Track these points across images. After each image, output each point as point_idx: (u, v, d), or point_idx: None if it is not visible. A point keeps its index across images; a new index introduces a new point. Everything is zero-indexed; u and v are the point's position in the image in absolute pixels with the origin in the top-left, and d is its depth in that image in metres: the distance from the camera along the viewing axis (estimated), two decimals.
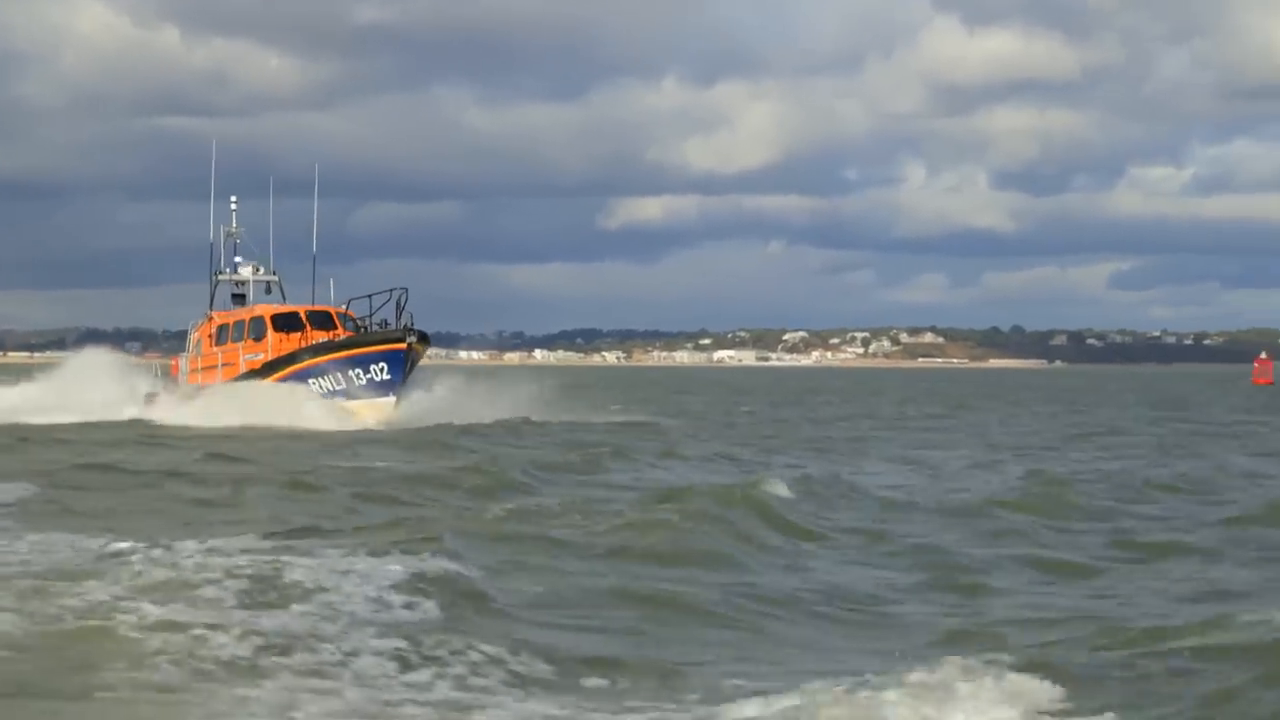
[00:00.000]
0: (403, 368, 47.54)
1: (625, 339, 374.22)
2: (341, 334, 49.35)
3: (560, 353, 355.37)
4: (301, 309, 50.68)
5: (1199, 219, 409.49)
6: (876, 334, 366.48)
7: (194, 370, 52.56)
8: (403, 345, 47.31)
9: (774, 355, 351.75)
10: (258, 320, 50.76)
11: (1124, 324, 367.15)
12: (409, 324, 47.66)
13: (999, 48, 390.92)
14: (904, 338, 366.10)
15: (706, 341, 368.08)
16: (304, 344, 49.25)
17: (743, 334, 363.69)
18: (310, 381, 48.44)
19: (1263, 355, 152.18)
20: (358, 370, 47.80)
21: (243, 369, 50.14)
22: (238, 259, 53.41)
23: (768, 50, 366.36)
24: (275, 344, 49.61)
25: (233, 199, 53.70)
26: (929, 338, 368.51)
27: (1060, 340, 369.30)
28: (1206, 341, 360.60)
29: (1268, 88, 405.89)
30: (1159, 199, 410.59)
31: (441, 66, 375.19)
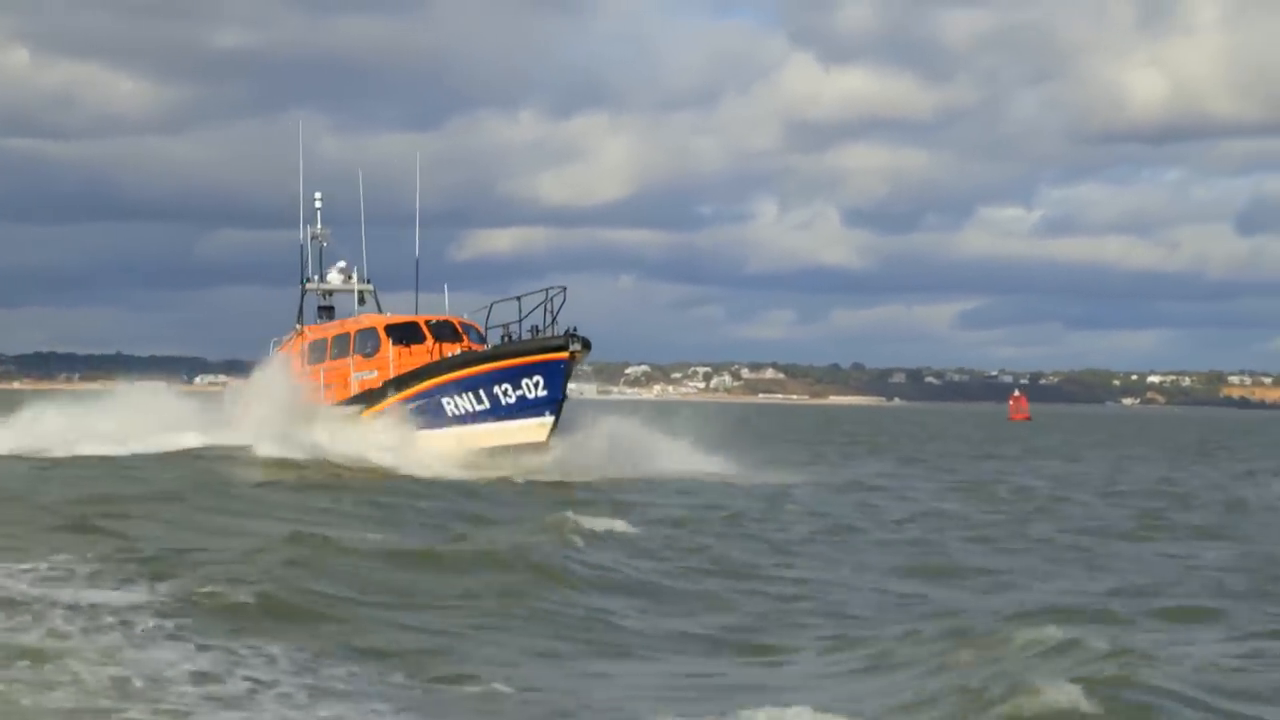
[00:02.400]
0: (562, 381, 40.92)
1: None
2: (467, 346, 42.60)
3: None
4: (421, 319, 43.77)
5: (1045, 260, 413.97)
6: (719, 369, 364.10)
7: None
8: (564, 354, 40.63)
9: (615, 389, 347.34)
10: (369, 332, 43.72)
11: (965, 363, 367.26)
12: (571, 329, 40.99)
13: (854, 86, 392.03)
14: (745, 373, 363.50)
15: None
16: (433, 358, 42.43)
17: (585, 367, 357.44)
18: (445, 401, 41.61)
19: (1017, 393, 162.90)
20: (506, 386, 41.03)
21: (355, 389, 43.10)
22: (341, 263, 46.28)
23: (626, 85, 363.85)
24: (396, 359, 42.65)
25: (317, 195, 46.61)
26: (770, 373, 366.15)
27: (899, 378, 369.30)
28: (1042, 381, 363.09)
29: (1115, 133, 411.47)
30: (1008, 240, 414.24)
31: (298, 93, 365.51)
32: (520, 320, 41.44)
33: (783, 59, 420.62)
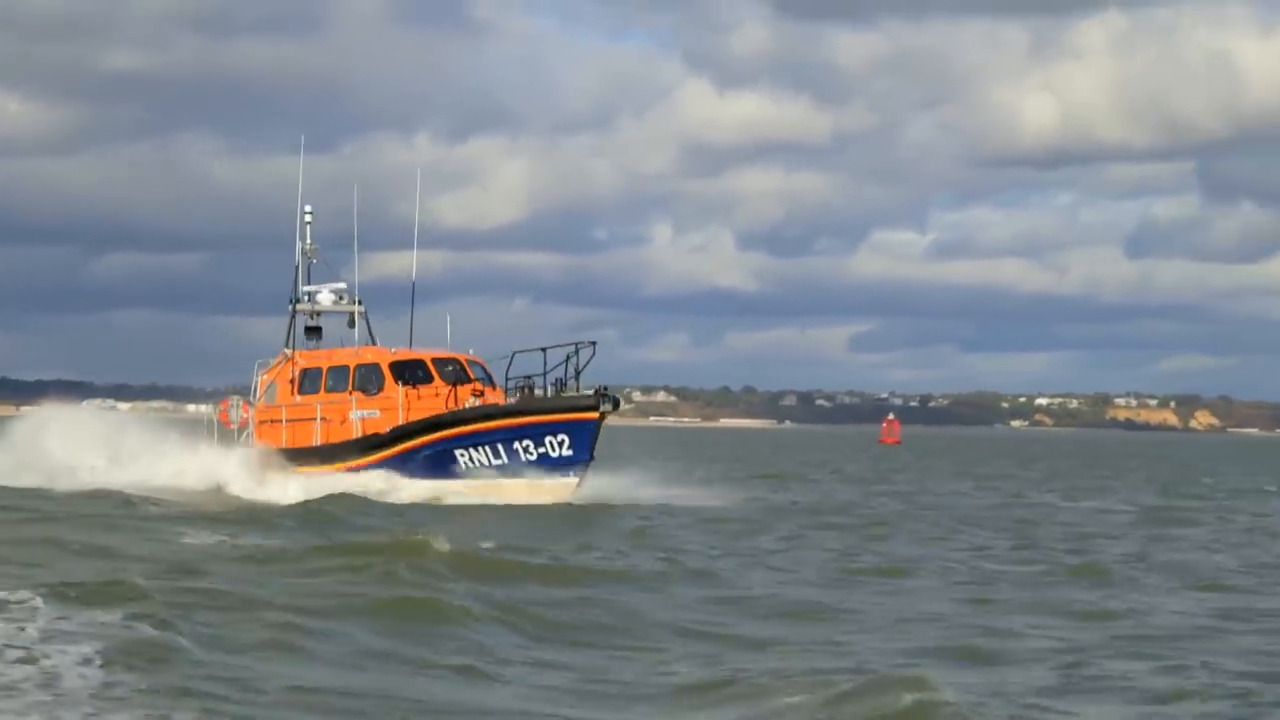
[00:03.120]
0: (589, 443, 37.07)
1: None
2: (477, 388, 38.62)
3: None
4: (426, 355, 39.64)
5: (938, 283, 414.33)
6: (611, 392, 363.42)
7: (264, 422, 40.85)
8: (593, 415, 36.86)
9: None
10: (370, 369, 39.57)
11: (857, 385, 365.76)
12: (602, 389, 37.13)
13: (749, 110, 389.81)
14: (637, 396, 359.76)
15: None
16: (441, 400, 38.37)
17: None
18: (459, 453, 37.63)
19: (891, 417, 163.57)
20: (527, 443, 37.12)
21: (357, 430, 38.85)
22: (339, 284, 41.89)
23: (522, 108, 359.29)
24: (404, 401, 38.44)
25: (307, 208, 42.22)
26: (662, 396, 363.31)
27: (791, 400, 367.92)
28: (932, 404, 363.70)
29: (1007, 157, 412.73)
30: (901, 263, 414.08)
31: (191, 115, 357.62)
32: (546, 373, 37.68)
33: (678, 82, 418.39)
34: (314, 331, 41.67)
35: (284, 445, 39.79)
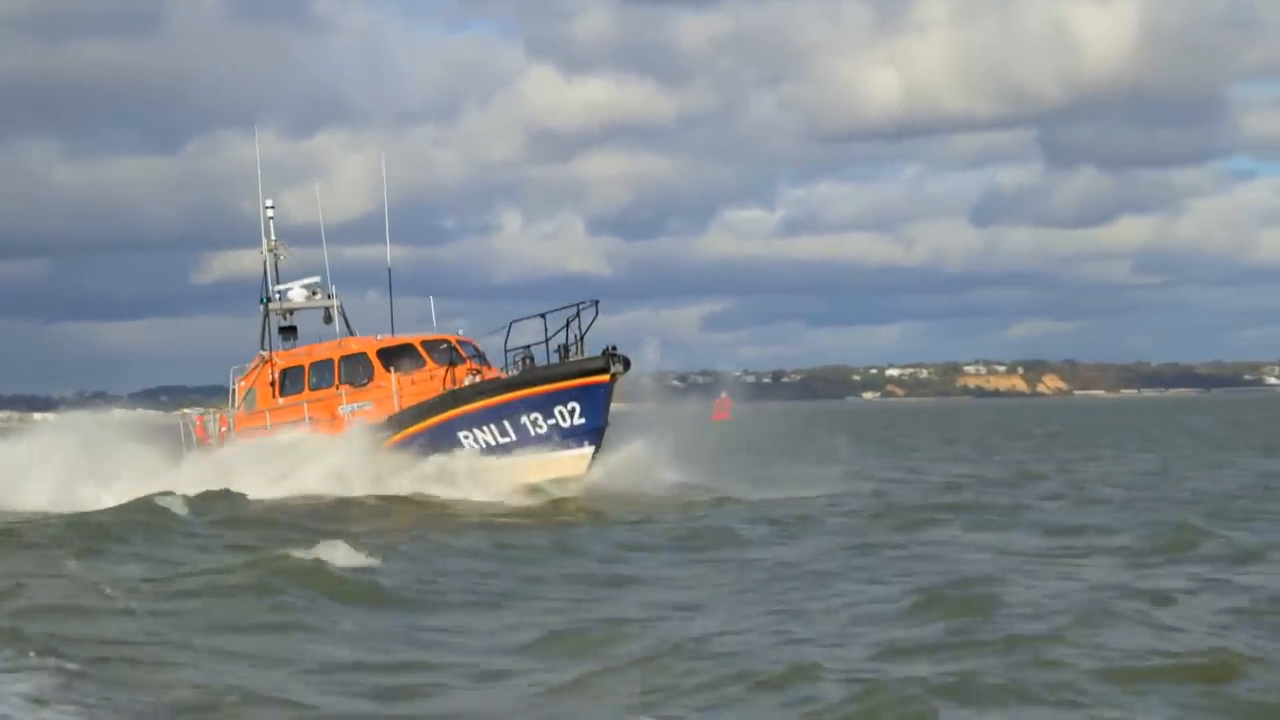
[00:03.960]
0: (603, 409, 35.72)
1: (210, 395, 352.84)
2: (473, 367, 37.19)
3: (140, 411, 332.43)
4: (414, 339, 38.08)
5: (787, 260, 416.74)
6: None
7: (250, 430, 39.10)
8: (604, 378, 35.50)
9: None
10: (356, 359, 37.96)
11: (709, 364, 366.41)
12: (611, 348, 35.80)
13: (594, 95, 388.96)
14: None
15: None
16: (437, 383, 36.90)
17: None
18: (462, 435, 36.15)
19: (724, 395, 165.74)
20: (535, 415, 35.74)
21: (351, 424, 37.23)
22: (311, 279, 40.09)
23: (366, 101, 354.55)
24: (401, 388, 36.91)
25: (268, 202, 40.43)
26: None
27: (645, 381, 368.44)
28: (784, 379, 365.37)
29: (852, 131, 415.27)
30: (750, 241, 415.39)
31: (29, 120, 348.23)
32: (547, 339, 36.16)
33: (522, 70, 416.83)
34: (289, 331, 39.87)
35: None
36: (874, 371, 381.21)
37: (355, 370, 37.76)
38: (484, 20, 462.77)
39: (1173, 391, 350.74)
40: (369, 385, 37.46)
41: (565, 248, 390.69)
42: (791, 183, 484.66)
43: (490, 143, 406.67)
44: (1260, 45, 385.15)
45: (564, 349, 36.01)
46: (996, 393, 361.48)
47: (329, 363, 38.14)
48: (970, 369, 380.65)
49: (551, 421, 35.69)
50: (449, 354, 37.46)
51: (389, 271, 40.12)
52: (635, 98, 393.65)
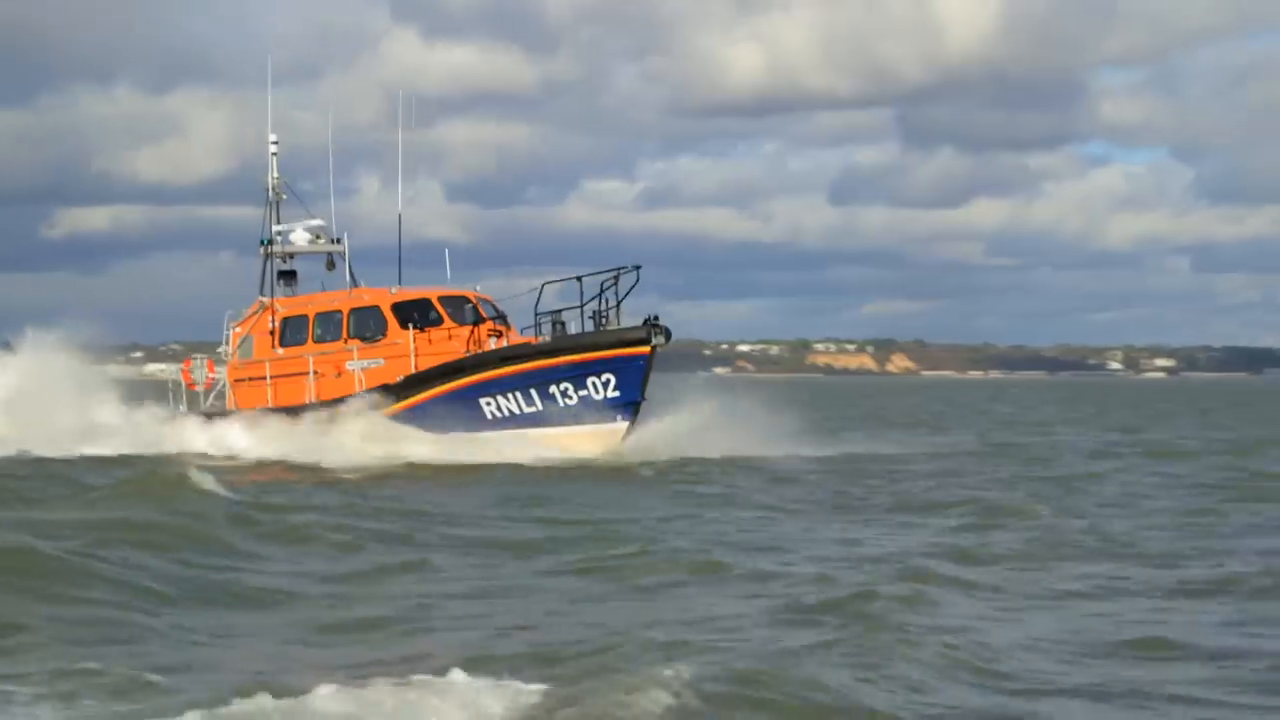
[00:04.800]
0: (640, 382, 33.60)
1: None
2: (494, 328, 34.90)
3: None
4: (432, 293, 35.65)
5: (646, 232, 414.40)
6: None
7: (242, 381, 36.50)
8: (645, 349, 33.38)
9: None
10: (369, 312, 35.46)
11: None
12: (652, 318, 33.67)
13: (458, 60, 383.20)
14: None
15: (138, 355, 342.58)
16: (456, 343, 34.57)
17: (176, 346, 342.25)
18: (484, 402, 33.88)
19: None
20: (565, 385, 33.54)
21: (360, 384, 34.80)
22: (315, 220, 37.50)
23: (225, 60, 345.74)
24: (419, 346, 34.54)
25: (271, 137, 37.75)
26: None
27: None
28: None
29: (714, 106, 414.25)
30: (610, 212, 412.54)
31: None
32: (582, 305, 33.92)
33: (385, 33, 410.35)
34: (288, 276, 37.31)
35: (269, 404, 35.57)
36: (725, 347, 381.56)
37: (366, 324, 35.31)
38: None
39: (1019, 374, 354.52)
40: (381, 341, 35.02)
41: (424, 213, 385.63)
42: (652, 155, 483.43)
43: (351, 106, 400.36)
44: (1119, 32, 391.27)
45: (598, 315, 33.80)
46: (846, 371, 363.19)
47: (337, 314, 35.65)
48: (820, 346, 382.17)
49: (583, 393, 33.53)
50: (471, 312, 35.11)
51: (399, 217, 37.62)
52: (499, 65, 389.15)
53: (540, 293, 34.16)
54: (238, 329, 36.68)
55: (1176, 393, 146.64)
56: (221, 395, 37.10)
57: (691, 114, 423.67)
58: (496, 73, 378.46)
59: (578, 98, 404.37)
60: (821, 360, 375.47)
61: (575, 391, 33.47)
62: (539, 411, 33.62)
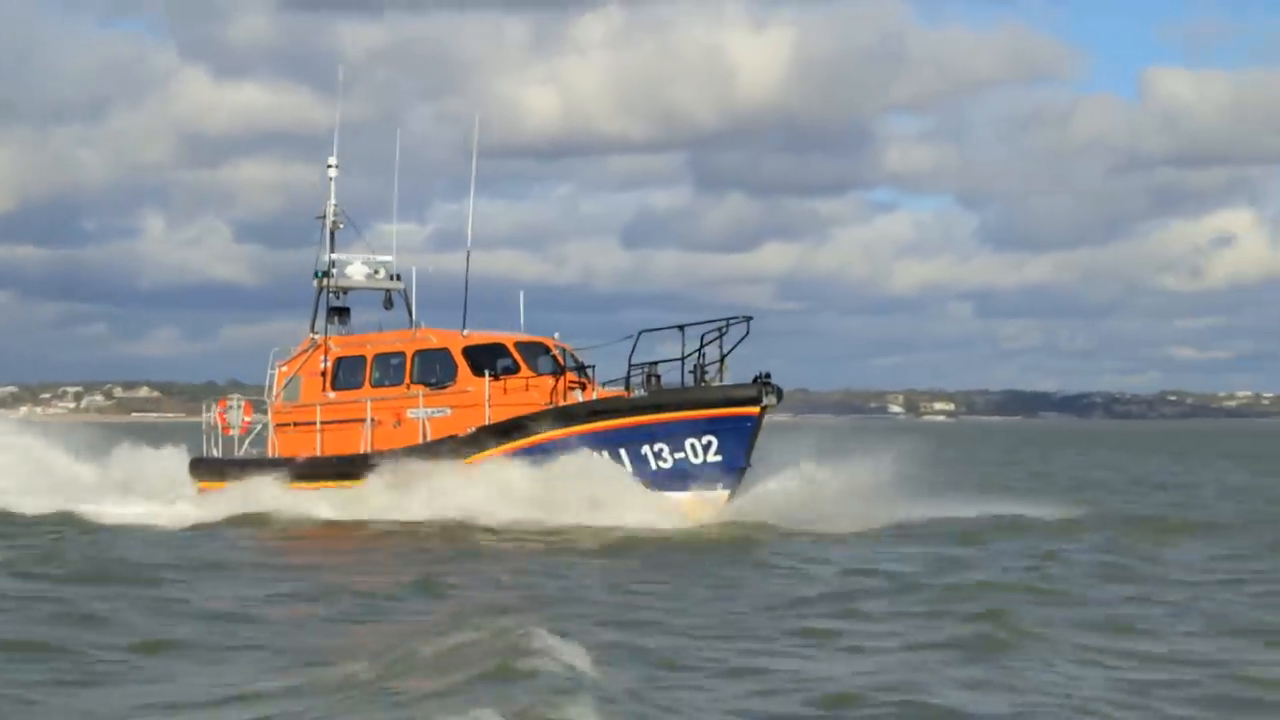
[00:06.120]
0: (747, 445, 30.02)
1: None
2: (574, 379, 31.27)
3: None
4: (508, 339, 32.03)
5: (437, 274, 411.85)
6: (91, 388, 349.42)
7: (290, 426, 32.71)
8: (754, 410, 29.82)
9: None
10: (438, 355, 32.04)
11: None
12: (764, 376, 30.02)
13: (248, 100, 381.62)
14: (119, 392, 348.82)
15: None
16: (536, 394, 30.96)
17: None
18: (563, 461, 30.15)
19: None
20: (660, 446, 29.91)
21: (427, 433, 31.10)
22: (386, 257, 34.03)
23: (9, 94, 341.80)
24: (494, 395, 30.88)
25: (330, 160, 34.18)
26: (145, 392, 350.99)
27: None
28: None
29: (508, 149, 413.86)
30: (401, 254, 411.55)
31: None
32: (684, 358, 30.44)
33: (174, 71, 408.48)
34: (340, 313, 33.78)
35: (318, 453, 31.83)
36: None
37: (433, 368, 31.88)
38: (137, 17, 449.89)
39: (800, 417, 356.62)
40: (450, 388, 31.38)
41: (209, 254, 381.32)
42: (445, 197, 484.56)
43: (138, 144, 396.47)
44: (906, 80, 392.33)
45: (700, 370, 30.18)
46: None
47: (399, 356, 32.17)
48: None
49: (680, 455, 29.96)
50: (549, 361, 31.54)
51: (468, 254, 33.95)
52: (289, 104, 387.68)
53: (636, 341, 30.65)
54: (283, 368, 33.08)
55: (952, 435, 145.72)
56: (259, 441, 33.34)
57: (485, 156, 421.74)
58: (287, 112, 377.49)
59: (369, 139, 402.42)
60: None
61: (671, 453, 29.95)
62: (631, 473, 29.94)
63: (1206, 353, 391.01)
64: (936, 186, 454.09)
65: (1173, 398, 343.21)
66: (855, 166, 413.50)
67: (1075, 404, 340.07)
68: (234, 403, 34.16)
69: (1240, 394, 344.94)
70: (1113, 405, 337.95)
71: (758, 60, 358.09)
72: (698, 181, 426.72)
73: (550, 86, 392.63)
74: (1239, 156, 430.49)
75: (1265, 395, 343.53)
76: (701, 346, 30.29)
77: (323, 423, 32.12)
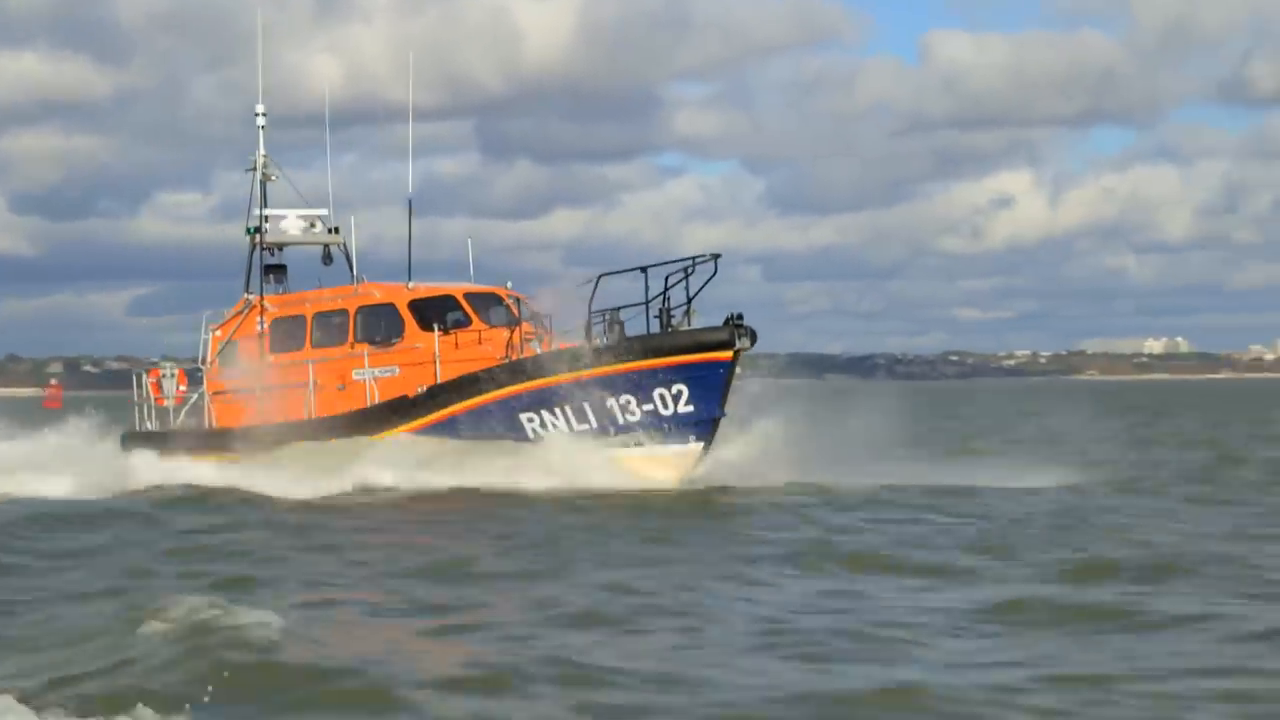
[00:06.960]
0: (720, 393, 27.70)
1: None
2: (531, 331, 29.03)
3: None
4: (457, 290, 29.73)
5: (220, 245, 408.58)
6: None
7: (220, 395, 30.44)
8: (726, 355, 27.51)
9: None
10: (381, 311, 29.67)
11: (131, 350, 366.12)
12: (735, 316, 27.76)
13: (25, 69, 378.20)
14: None
15: None
16: (490, 348, 28.70)
17: None
18: (525, 418, 27.94)
19: (54, 381, 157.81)
20: (627, 398, 27.67)
21: (373, 394, 28.85)
22: (320, 210, 31.67)
23: None
24: (444, 351, 28.62)
25: (259, 108, 31.74)
26: None
27: (57, 367, 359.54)
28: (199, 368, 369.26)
29: (294, 117, 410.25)
30: (185, 224, 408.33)
31: None
32: (647, 302, 28.04)
33: None
34: (276, 270, 31.39)
35: (258, 421, 29.54)
36: None
37: (378, 325, 29.49)
38: None
39: None
40: (397, 346, 29.11)
41: None
42: (228, 167, 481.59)
43: None
44: (693, 46, 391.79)
45: (665, 315, 27.92)
46: None
47: (341, 314, 29.83)
48: None
49: (648, 407, 27.65)
50: (503, 313, 29.25)
51: (409, 201, 31.60)
52: (67, 74, 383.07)
53: (595, 286, 28.12)
54: (217, 333, 30.67)
55: None
56: (195, 411, 31.04)
57: (270, 125, 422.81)
58: (65, 81, 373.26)
59: (151, 108, 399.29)
60: None
61: (638, 405, 27.64)
62: (592, 428, 27.75)
63: (990, 313, 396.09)
64: (724, 151, 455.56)
65: (954, 358, 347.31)
66: (643, 132, 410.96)
67: (860, 365, 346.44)
68: (167, 371, 31.77)
69: (1019, 353, 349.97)
70: (895, 366, 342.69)
71: (543, 25, 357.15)
72: (485, 148, 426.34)
73: (335, 54, 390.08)
74: (1018, 119, 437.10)
75: (1042, 354, 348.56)
76: (666, 289, 28.00)
77: (261, 389, 29.82)
